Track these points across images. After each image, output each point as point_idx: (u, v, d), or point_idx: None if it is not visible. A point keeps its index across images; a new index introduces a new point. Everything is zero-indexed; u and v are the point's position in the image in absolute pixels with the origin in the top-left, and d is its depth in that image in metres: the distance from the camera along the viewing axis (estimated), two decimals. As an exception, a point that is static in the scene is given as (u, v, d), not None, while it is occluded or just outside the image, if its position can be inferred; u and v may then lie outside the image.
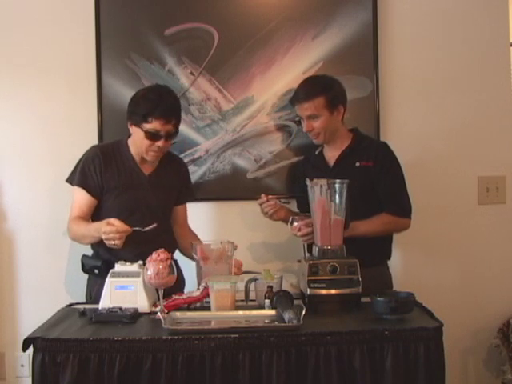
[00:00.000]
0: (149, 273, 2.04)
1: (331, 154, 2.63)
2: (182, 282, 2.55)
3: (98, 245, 2.42)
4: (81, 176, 2.45)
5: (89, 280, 2.56)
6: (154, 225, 2.24)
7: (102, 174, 2.43)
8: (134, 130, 2.41)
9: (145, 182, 2.47)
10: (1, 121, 2.94)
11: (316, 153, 2.69)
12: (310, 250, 2.43)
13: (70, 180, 2.50)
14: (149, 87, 2.59)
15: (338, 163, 2.59)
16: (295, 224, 2.42)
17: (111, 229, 2.19)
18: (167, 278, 2.05)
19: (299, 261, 2.36)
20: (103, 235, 2.21)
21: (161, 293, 2.08)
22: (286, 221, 2.59)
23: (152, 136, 2.35)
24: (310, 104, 2.50)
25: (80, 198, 2.45)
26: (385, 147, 2.60)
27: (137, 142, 2.42)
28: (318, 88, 2.52)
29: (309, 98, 2.50)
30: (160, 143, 2.36)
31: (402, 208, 2.53)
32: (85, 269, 2.51)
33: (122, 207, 2.42)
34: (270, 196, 2.60)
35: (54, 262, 2.94)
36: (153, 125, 2.33)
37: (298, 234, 2.41)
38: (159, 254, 2.06)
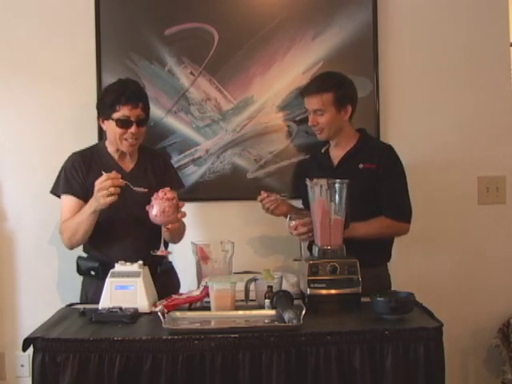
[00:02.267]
0: (154, 211, 2.15)
1: (336, 154, 2.63)
2: (176, 283, 2.55)
3: (92, 246, 2.47)
4: (65, 183, 2.45)
5: (84, 282, 2.56)
6: (145, 189, 2.24)
7: (84, 177, 2.44)
8: (106, 125, 2.43)
9: (126, 178, 2.44)
10: (0, 121, 2.94)
11: (322, 151, 2.70)
12: (310, 248, 2.43)
13: (55, 191, 2.50)
14: (112, 82, 2.55)
15: (342, 163, 2.59)
16: (292, 223, 2.42)
17: (102, 178, 2.21)
18: (172, 216, 2.16)
19: (295, 259, 2.37)
20: (96, 187, 2.21)
21: (163, 230, 2.22)
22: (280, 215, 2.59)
23: (123, 123, 2.36)
24: (318, 98, 2.52)
25: (69, 204, 2.44)
26: (389, 150, 2.59)
27: (111, 135, 2.43)
28: (329, 84, 2.54)
29: (317, 92, 2.52)
30: (132, 129, 2.37)
31: (401, 212, 2.51)
32: (80, 270, 2.51)
33: (108, 206, 2.38)
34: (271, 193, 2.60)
35: (54, 261, 2.94)
36: (121, 112, 2.36)
37: (294, 232, 2.42)
38: (166, 193, 2.16)
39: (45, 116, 2.94)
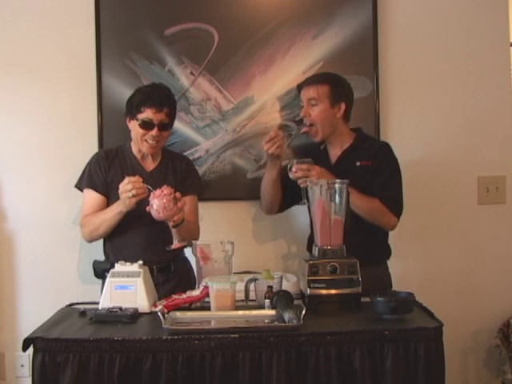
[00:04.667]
0: (155, 208, 2.23)
1: (333, 152, 2.64)
2: (193, 280, 2.56)
3: (110, 244, 2.53)
4: (88, 178, 2.54)
5: (103, 285, 2.56)
6: (153, 190, 2.29)
7: (106, 173, 2.52)
8: (131, 124, 2.50)
9: (147, 178, 2.48)
10: (1, 121, 2.94)
11: (321, 148, 2.70)
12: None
13: (79, 185, 2.58)
14: (145, 84, 2.70)
15: (339, 162, 2.60)
16: (294, 167, 2.47)
17: (124, 181, 2.31)
18: (174, 208, 2.25)
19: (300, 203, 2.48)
20: (120, 189, 2.30)
21: (170, 225, 2.29)
22: (278, 159, 2.60)
23: (145, 125, 2.44)
24: (314, 89, 2.56)
25: (91, 198, 2.52)
26: (385, 148, 2.60)
27: (133, 135, 2.51)
28: (327, 77, 2.62)
29: (315, 83, 2.59)
30: (154, 132, 2.44)
31: (393, 202, 2.49)
32: (97, 274, 2.54)
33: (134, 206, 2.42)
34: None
35: (54, 261, 2.94)
36: (145, 114, 2.43)
37: (291, 176, 2.47)
38: (163, 190, 2.24)
39: (45, 116, 2.94)
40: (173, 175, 2.56)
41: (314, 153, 2.74)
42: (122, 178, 2.42)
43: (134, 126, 2.49)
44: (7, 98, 2.93)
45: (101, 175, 2.51)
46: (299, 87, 2.68)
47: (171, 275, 2.52)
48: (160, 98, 2.45)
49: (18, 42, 2.91)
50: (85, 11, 2.89)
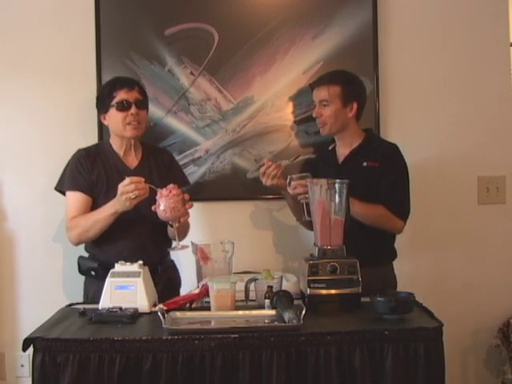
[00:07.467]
0: (162, 208, 2.20)
1: (342, 152, 2.64)
2: (178, 282, 2.54)
3: (95, 245, 2.47)
4: (71, 179, 2.47)
5: (86, 282, 2.57)
6: (156, 189, 2.26)
7: (90, 172, 2.46)
8: (107, 118, 2.49)
9: (130, 175, 2.45)
10: (1, 121, 2.94)
11: (329, 148, 2.71)
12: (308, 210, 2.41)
13: (60, 187, 2.52)
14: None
15: (347, 161, 2.60)
16: (292, 183, 2.46)
17: (125, 181, 2.25)
18: (182, 209, 2.23)
19: (298, 220, 2.54)
20: (120, 189, 2.24)
21: (175, 226, 2.26)
22: (280, 188, 2.58)
23: (122, 106, 2.43)
24: (326, 90, 2.55)
25: (75, 200, 2.45)
26: (393, 149, 2.59)
27: (114, 126, 2.48)
28: (338, 77, 2.59)
29: (326, 83, 2.56)
30: (132, 110, 2.43)
31: (398, 206, 2.49)
32: (81, 270, 2.52)
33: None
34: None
35: (54, 261, 2.94)
36: (119, 96, 2.43)
37: (292, 192, 2.45)
38: (171, 190, 2.21)
39: (45, 116, 2.94)
40: (157, 170, 2.53)
41: (322, 153, 2.75)
42: (106, 178, 2.42)
43: (111, 117, 2.46)
44: (7, 98, 2.93)
45: (85, 175, 2.45)
46: (311, 87, 2.68)
47: (157, 278, 2.44)
48: (127, 79, 2.50)
49: (18, 42, 2.91)
50: (85, 11, 2.90)
